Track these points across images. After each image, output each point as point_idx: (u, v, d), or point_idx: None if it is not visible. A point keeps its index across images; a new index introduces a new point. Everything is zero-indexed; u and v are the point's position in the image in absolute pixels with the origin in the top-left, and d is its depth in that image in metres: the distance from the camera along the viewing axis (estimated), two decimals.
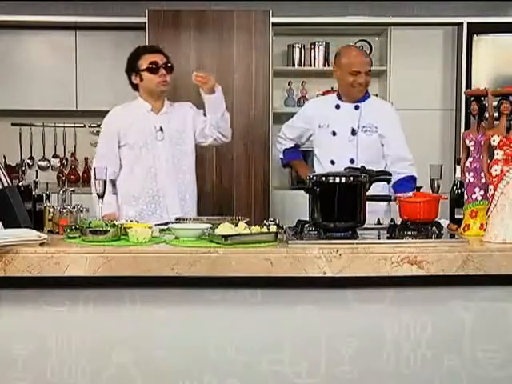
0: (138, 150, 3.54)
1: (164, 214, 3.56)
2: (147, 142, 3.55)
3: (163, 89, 3.61)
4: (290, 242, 2.45)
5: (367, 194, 2.64)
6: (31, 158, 5.88)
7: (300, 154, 4.00)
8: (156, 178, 3.57)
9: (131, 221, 2.82)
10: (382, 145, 3.62)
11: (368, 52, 5.60)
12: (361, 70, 3.59)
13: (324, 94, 5.63)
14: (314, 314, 2.47)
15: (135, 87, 3.67)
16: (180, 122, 3.67)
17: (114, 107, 3.73)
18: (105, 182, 2.96)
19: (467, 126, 4.99)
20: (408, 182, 3.47)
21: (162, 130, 3.58)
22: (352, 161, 3.58)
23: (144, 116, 3.60)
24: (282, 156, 4.00)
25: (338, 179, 2.57)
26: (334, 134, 3.64)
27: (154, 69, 3.56)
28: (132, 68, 3.61)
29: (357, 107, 3.63)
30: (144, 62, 3.57)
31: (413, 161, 3.61)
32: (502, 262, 2.37)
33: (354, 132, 3.59)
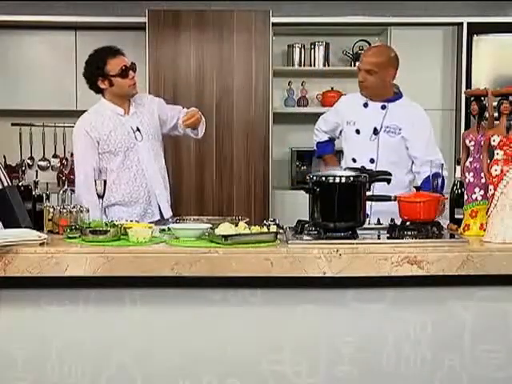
0: (123, 155, 3.50)
1: (156, 212, 3.56)
2: (130, 145, 3.51)
3: (134, 92, 3.56)
4: (289, 242, 2.45)
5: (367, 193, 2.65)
6: (31, 158, 5.88)
7: (332, 149, 3.94)
8: (145, 179, 3.55)
9: (131, 221, 2.83)
10: (407, 148, 3.57)
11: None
12: (360, 67, 3.59)
13: (324, 94, 5.66)
14: (313, 313, 2.47)
15: (99, 91, 3.59)
16: (150, 119, 3.64)
17: (85, 114, 3.63)
18: (105, 182, 2.96)
19: (467, 126, 4.99)
20: (428, 182, 3.41)
21: (138, 130, 3.54)
22: (372, 160, 3.54)
23: (119, 121, 3.54)
24: (316, 149, 3.97)
25: (338, 179, 2.57)
26: (357, 132, 3.60)
27: (125, 74, 3.50)
28: (98, 73, 3.51)
29: (383, 107, 3.59)
30: (113, 68, 3.49)
31: (441, 160, 3.46)
32: (502, 262, 2.37)
33: (376, 131, 3.55)
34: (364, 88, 3.61)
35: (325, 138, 3.87)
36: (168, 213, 3.58)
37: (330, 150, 3.89)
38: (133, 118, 3.58)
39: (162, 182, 3.61)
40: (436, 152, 3.58)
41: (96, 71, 3.53)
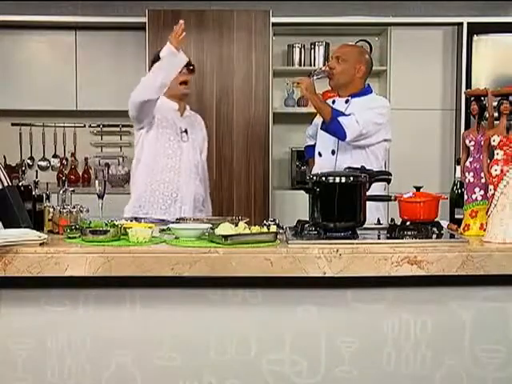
0: (165, 142, 3.58)
1: (177, 214, 3.57)
2: (173, 140, 3.59)
3: (184, 91, 3.66)
4: (289, 241, 2.45)
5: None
6: (31, 158, 5.89)
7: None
8: (179, 176, 3.60)
9: (131, 220, 2.82)
10: None
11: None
12: (331, 55, 3.77)
13: (324, 94, 5.65)
14: (313, 313, 2.47)
15: None
16: (199, 133, 3.75)
17: None
18: (105, 182, 2.96)
19: (467, 126, 5.00)
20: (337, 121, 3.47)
21: (186, 132, 3.63)
22: (333, 152, 3.62)
23: (171, 114, 3.63)
24: (305, 153, 4.10)
25: (337, 179, 2.57)
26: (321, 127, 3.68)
27: None
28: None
29: (347, 101, 3.65)
30: None
31: (358, 122, 3.46)
32: (502, 262, 2.37)
33: None
34: (332, 76, 3.66)
35: (311, 142, 3.93)
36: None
37: (313, 153, 3.91)
38: (185, 120, 3.68)
39: (193, 192, 3.63)
40: (362, 118, 3.49)
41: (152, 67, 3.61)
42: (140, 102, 3.43)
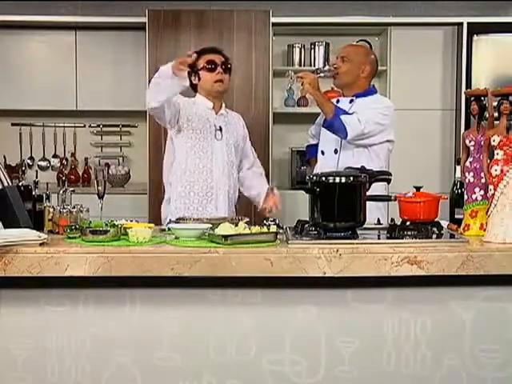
0: (196, 143, 3.57)
1: (213, 213, 3.57)
2: (207, 138, 3.59)
3: (219, 89, 3.64)
4: (289, 242, 2.45)
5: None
6: (31, 158, 5.89)
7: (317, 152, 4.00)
8: (212, 175, 3.59)
9: (131, 221, 2.82)
10: None
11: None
12: (337, 55, 3.75)
13: (324, 94, 5.65)
14: (313, 314, 2.47)
15: (194, 88, 3.68)
16: (235, 131, 3.73)
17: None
18: (105, 182, 2.96)
19: (467, 126, 5.00)
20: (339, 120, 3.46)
21: (221, 129, 3.63)
22: (336, 151, 3.62)
23: (205, 112, 3.63)
24: (306, 153, 4.10)
25: (337, 179, 2.57)
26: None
27: (210, 68, 3.59)
28: (191, 68, 3.56)
29: (351, 101, 3.65)
30: (201, 62, 3.58)
31: (360, 121, 3.45)
32: (502, 262, 2.37)
33: None
34: (336, 75, 3.67)
35: (314, 141, 3.93)
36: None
37: (314, 153, 3.91)
38: (219, 118, 3.67)
39: (227, 190, 3.63)
40: (364, 118, 3.47)
41: (190, 67, 3.56)
42: (149, 109, 3.43)
